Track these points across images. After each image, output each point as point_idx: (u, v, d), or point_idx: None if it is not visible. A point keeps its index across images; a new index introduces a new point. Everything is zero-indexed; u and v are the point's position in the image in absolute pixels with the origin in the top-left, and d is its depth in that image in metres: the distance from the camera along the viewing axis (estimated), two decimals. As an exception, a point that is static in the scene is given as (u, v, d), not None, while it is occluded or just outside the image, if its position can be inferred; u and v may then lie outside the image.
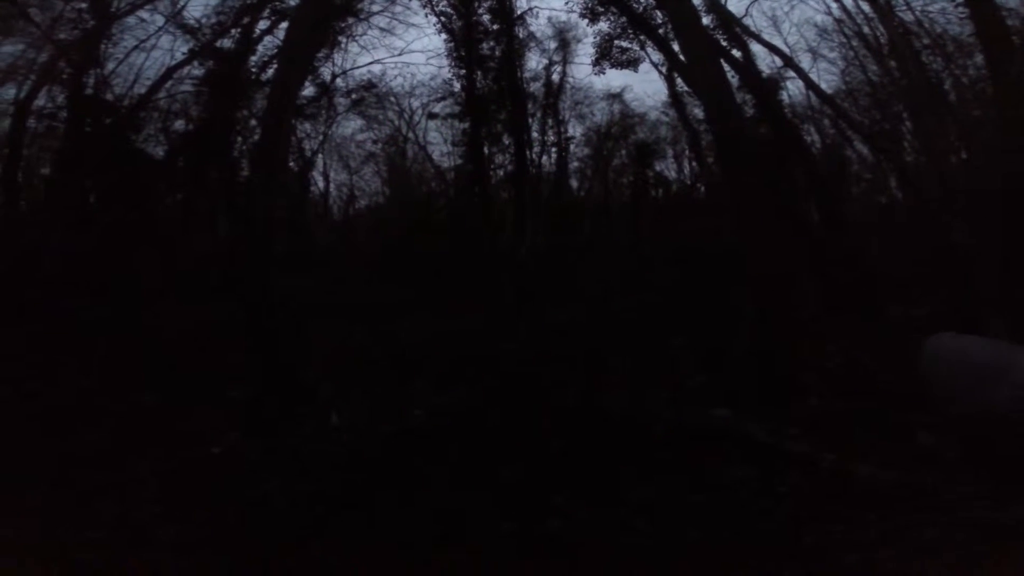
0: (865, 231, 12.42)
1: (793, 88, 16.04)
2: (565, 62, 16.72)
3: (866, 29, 12.11)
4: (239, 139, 12.77)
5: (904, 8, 10.89)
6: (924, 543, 3.07)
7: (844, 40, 12.90)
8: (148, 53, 11.93)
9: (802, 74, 12.09)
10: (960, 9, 9.71)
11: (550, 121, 17.28)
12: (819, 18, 14.78)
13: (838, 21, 12.58)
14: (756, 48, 12.35)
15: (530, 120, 15.91)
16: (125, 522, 3.35)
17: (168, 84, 12.03)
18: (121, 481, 3.89)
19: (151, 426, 5.01)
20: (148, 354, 6.68)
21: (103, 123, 11.32)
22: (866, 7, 11.49)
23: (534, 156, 16.46)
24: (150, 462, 4.23)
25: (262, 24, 12.24)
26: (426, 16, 14.90)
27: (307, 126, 15.68)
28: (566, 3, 13.90)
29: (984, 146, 8.43)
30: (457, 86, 14.46)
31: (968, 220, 7.85)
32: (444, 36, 13.92)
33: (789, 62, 12.07)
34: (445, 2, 13.64)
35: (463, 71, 13.95)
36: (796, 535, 3.32)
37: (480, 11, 13.70)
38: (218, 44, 12.03)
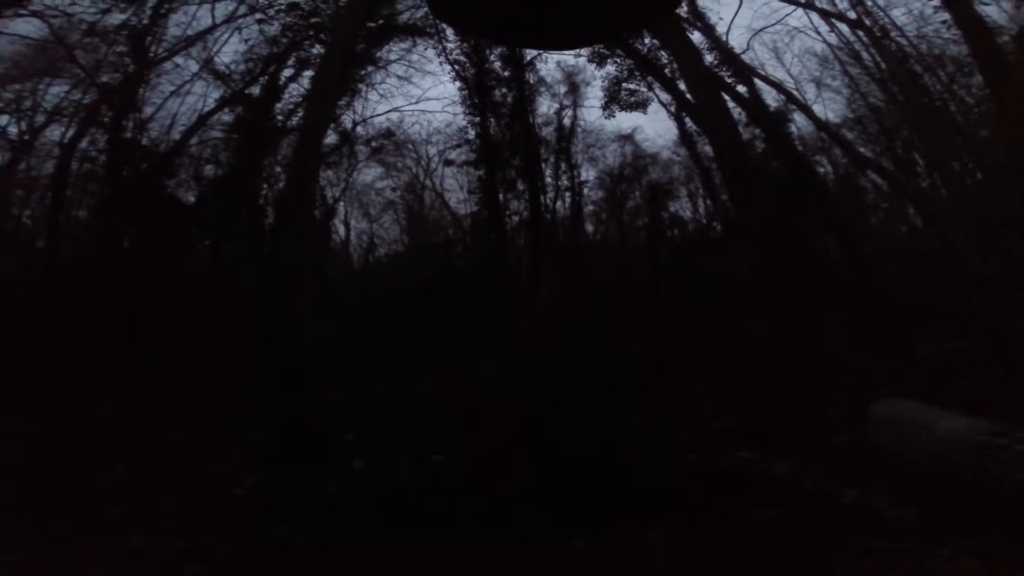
0: (886, 263, 12.25)
1: (802, 119, 16.21)
2: (575, 105, 17.16)
3: (865, 55, 12.28)
4: (265, 186, 13.22)
5: (899, 34, 11.05)
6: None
7: (844, 69, 13.08)
8: (183, 98, 12.65)
9: (804, 108, 12.26)
10: (954, 31, 9.78)
11: (563, 165, 17.62)
12: (819, 47, 15.08)
13: (834, 49, 12.78)
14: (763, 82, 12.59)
15: (543, 165, 16.24)
16: (152, 556, 3.40)
17: (200, 131, 12.65)
18: (148, 516, 3.95)
19: (178, 465, 5.09)
20: (177, 396, 6.81)
21: (140, 167, 11.83)
22: (862, 34, 11.72)
23: (548, 201, 16.73)
24: (177, 499, 4.30)
25: (287, 72, 12.92)
26: (441, 64, 15.51)
27: (330, 173, 16.22)
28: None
29: (994, 168, 8.39)
30: (472, 133, 14.90)
31: (983, 249, 7.74)
32: (458, 84, 14.45)
33: (790, 96, 12.26)
34: (459, 50, 14.25)
35: (477, 118, 14.39)
36: (827, 571, 3.24)
37: (492, 58, 14.25)
38: (247, 91, 12.67)
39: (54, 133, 11.94)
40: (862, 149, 13.78)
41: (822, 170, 14.54)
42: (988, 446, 3.89)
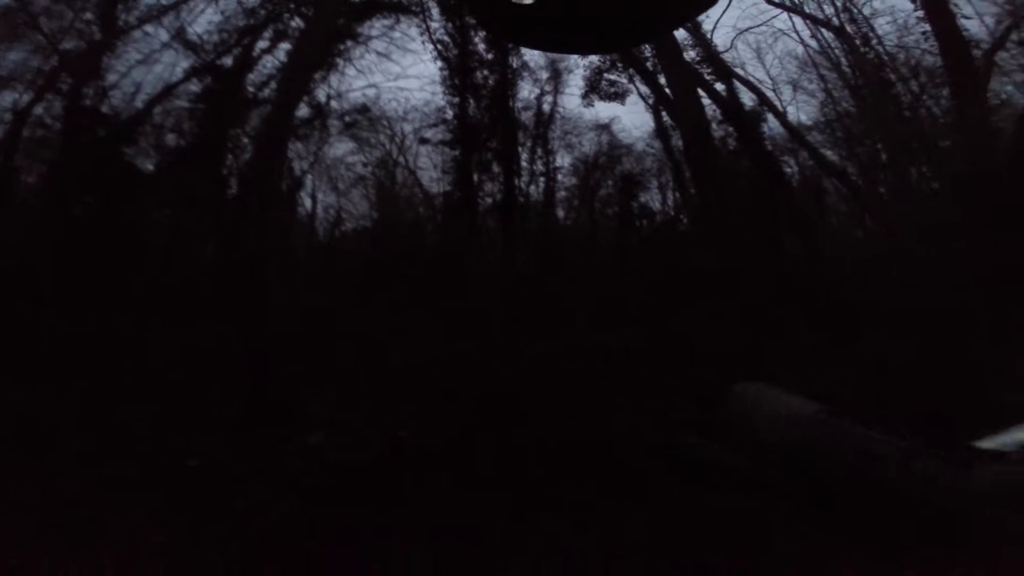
0: (842, 264, 12.74)
1: (775, 121, 16.57)
2: (556, 92, 17.13)
3: (844, 61, 12.62)
4: (231, 156, 12.84)
5: (878, 42, 11.40)
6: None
7: (820, 73, 13.41)
8: (150, 68, 12.06)
9: (772, 108, 12.55)
10: (932, 42, 10.12)
11: (539, 151, 17.62)
12: (800, 50, 15.47)
13: (812, 53, 13.07)
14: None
15: (520, 149, 16.21)
16: (116, 528, 3.38)
17: (165, 101, 12.15)
18: (109, 490, 3.90)
19: (137, 440, 5.00)
20: (134, 370, 6.64)
21: (97, 135, 11.34)
22: (833, 39, 12.06)
23: (522, 185, 16.75)
24: (137, 472, 4.24)
25: (262, 43, 12.48)
26: (423, 44, 15.23)
27: (299, 146, 15.81)
28: (558, 36, 14.33)
29: (952, 178, 8.81)
30: (450, 113, 14.74)
31: (930, 255, 8.17)
32: (440, 64, 14.24)
33: (762, 97, 12.53)
34: (443, 30, 14.01)
35: (456, 99, 14.24)
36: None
37: (476, 40, 14.07)
38: (218, 62, 12.21)
39: (6, 100, 11.25)
40: (829, 153, 14.20)
41: (789, 171, 14.95)
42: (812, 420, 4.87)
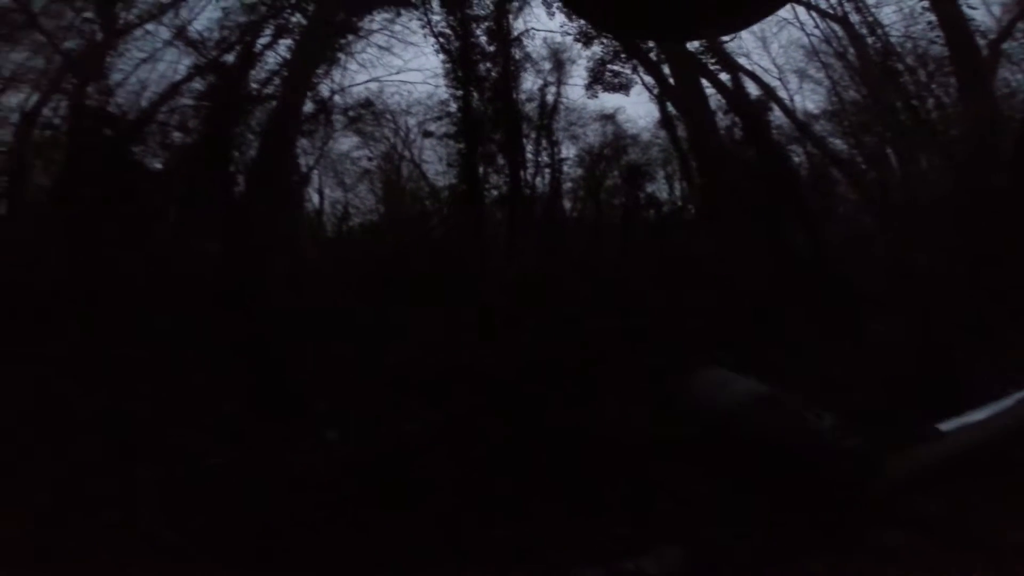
0: (849, 251, 12.68)
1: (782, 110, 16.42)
2: (560, 83, 17.06)
3: (851, 50, 12.49)
4: (237, 153, 12.92)
5: (883, 32, 11.28)
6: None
7: (827, 62, 13.28)
8: (154, 66, 12.15)
9: (776, 99, 12.47)
10: (938, 32, 10.01)
11: (544, 142, 17.59)
12: (805, 40, 15.31)
13: (814, 41, 12.93)
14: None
15: (524, 141, 16.20)
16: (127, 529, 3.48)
17: (171, 99, 12.23)
18: (123, 489, 4.02)
19: (148, 437, 5.13)
20: (143, 366, 6.79)
21: (104, 134, 11.47)
22: (839, 29, 11.94)
23: (528, 177, 16.75)
24: (151, 472, 4.36)
25: (263, 39, 12.52)
26: (425, 36, 15.22)
27: (304, 141, 15.89)
28: (560, 26, 14.27)
29: (955, 166, 8.76)
30: (453, 106, 14.73)
31: (927, 241, 8.16)
32: (442, 56, 14.22)
33: (765, 88, 12.45)
34: (444, 23, 13.99)
35: (459, 91, 14.23)
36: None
37: (478, 32, 14.04)
38: (221, 59, 12.27)
39: (11, 100, 11.38)
40: (837, 141, 14.09)
41: (797, 160, 14.84)
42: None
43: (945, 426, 4.56)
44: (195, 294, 9.98)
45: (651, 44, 12.30)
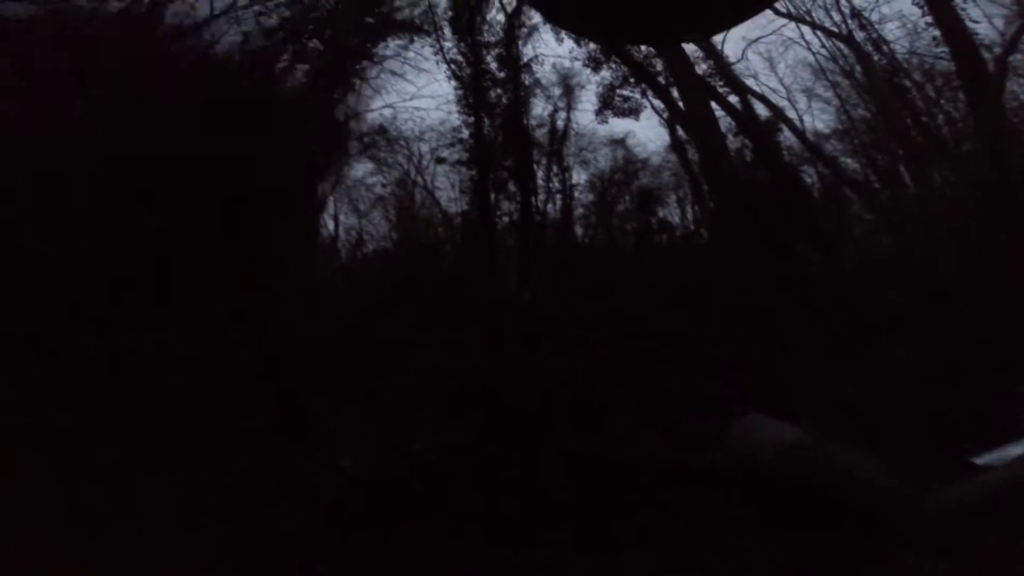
0: (868, 272, 12.50)
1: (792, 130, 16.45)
2: (569, 108, 17.28)
3: (859, 68, 12.52)
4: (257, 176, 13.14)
5: (888, 49, 11.32)
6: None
7: (835, 80, 13.32)
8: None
9: (786, 120, 12.52)
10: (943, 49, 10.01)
11: (555, 168, 17.74)
12: (811, 59, 15.43)
13: (821, 60, 13.01)
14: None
15: (535, 167, 16.36)
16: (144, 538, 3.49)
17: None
18: (138, 499, 4.03)
19: (164, 448, 5.13)
20: (159, 381, 6.82)
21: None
22: (844, 47, 12.01)
23: (539, 203, 16.87)
24: (167, 483, 4.37)
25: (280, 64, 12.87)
26: (437, 63, 15.59)
27: (319, 167, 16.17)
28: (570, 52, 14.56)
29: (972, 184, 8.67)
30: (465, 132, 14.98)
31: (946, 257, 8.04)
32: (453, 83, 14.53)
33: (774, 109, 12.52)
34: (455, 50, 14.33)
35: (471, 118, 14.49)
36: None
37: (488, 59, 14.36)
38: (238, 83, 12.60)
39: None
40: (849, 160, 14.05)
41: (809, 180, 14.79)
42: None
43: (981, 460, 4.45)
44: (212, 315, 10.07)
45: (632, 48, 12.44)
